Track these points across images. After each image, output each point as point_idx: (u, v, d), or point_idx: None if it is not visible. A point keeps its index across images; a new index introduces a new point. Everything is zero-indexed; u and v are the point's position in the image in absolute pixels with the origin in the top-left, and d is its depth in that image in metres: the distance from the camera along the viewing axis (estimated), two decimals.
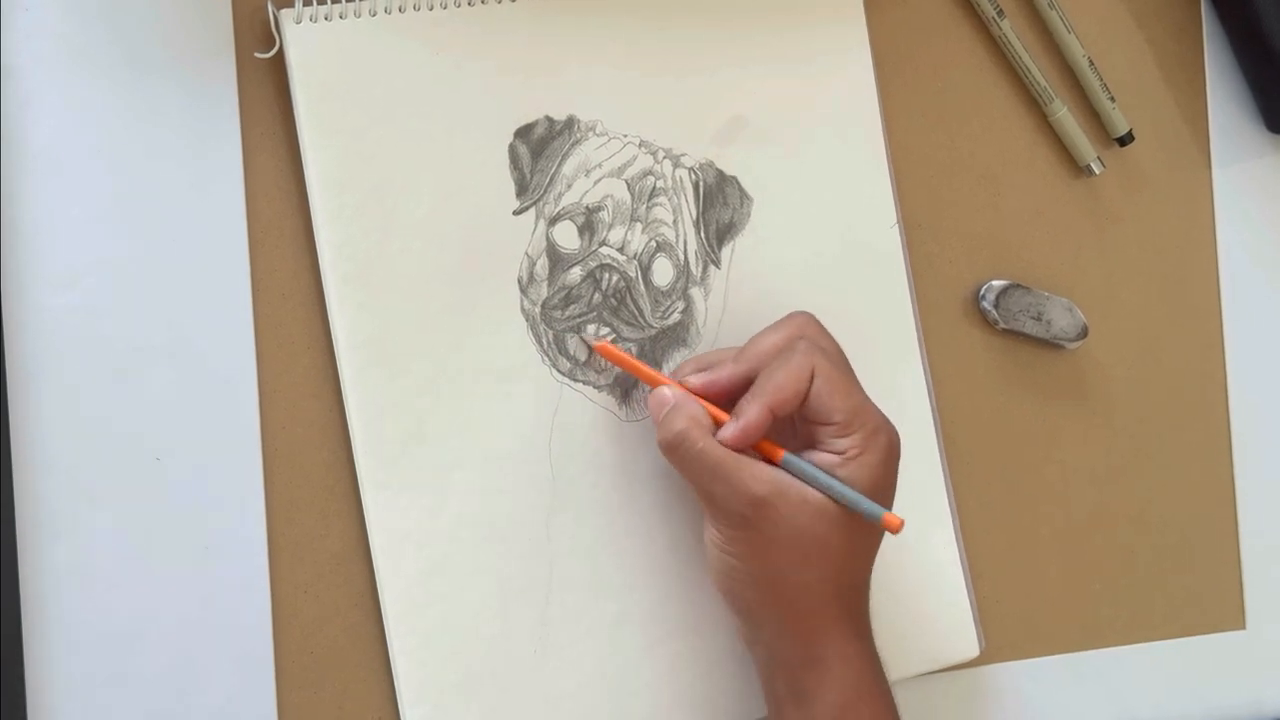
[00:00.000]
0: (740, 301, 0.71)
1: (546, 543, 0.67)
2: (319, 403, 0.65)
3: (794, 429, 0.66)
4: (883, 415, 0.65)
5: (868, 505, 0.63)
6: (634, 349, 0.69)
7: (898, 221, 0.74)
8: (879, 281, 0.74)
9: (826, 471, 0.63)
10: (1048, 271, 0.79)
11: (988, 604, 0.76)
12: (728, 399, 0.65)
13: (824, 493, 0.62)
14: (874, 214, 0.74)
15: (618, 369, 0.68)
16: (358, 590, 0.65)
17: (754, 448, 0.64)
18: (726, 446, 0.63)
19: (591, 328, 0.68)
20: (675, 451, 0.63)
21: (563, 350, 0.68)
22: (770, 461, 0.63)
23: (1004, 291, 0.76)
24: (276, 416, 0.65)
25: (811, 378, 0.63)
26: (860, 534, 0.64)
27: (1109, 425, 0.80)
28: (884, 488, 0.64)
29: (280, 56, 0.64)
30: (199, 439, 0.63)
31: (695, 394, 0.65)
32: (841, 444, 0.63)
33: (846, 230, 0.73)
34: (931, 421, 0.74)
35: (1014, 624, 0.77)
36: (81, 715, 0.61)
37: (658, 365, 0.69)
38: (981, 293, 0.77)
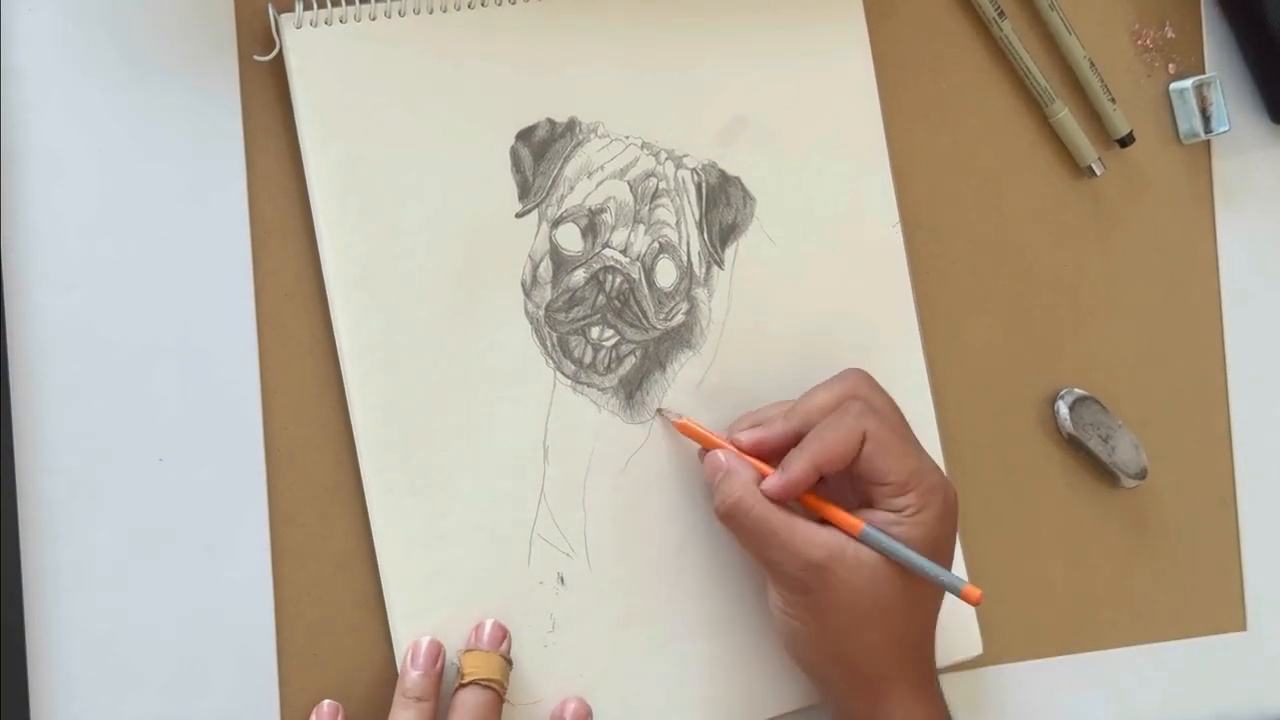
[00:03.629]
0: (744, 302, 0.71)
1: (551, 546, 0.67)
2: (322, 404, 0.65)
3: (852, 487, 0.67)
4: (941, 474, 0.66)
5: (948, 578, 0.64)
6: (638, 351, 0.69)
7: (898, 221, 0.74)
8: (881, 281, 0.74)
9: (881, 528, 0.63)
10: (1049, 272, 0.79)
11: (989, 605, 0.76)
12: (777, 456, 0.66)
13: (902, 563, 0.63)
14: (875, 214, 0.74)
15: (623, 370, 0.68)
16: (361, 592, 0.65)
17: (830, 517, 0.64)
18: (769, 498, 0.64)
19: (595, 329, 0.68)
20: (732, 519, 0.64)
21: (567, 353, 0.68)
22: (848, 533, 0.64)
23: (1080, 401, 0.77)
24: (279, 418, 0.64)
25: (863, 441, 0.64)
26: (921, 595, 0.65)
27: None
28: (943, 545, 0.65)
29: (281, 58, 0.64)
30: (202, 440, 0.63)
31: (746, 451, 0.66)
32: (898, 502, 0.64)
33: (848, 230, 0.73)
34: (934, 422, 0.74)
35: (1016, 625, 0.77)
36: (84, 717, 0.61)
37: (661, 366, 0.69)
38: (1061, 393, 0.77)
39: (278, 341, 0.65)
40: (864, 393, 0.66)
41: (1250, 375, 0.83)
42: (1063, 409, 0.77)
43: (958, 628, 0.74)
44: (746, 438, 0.66)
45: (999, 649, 0.76)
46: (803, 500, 0.65)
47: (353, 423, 0.64)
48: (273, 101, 0.65)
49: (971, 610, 0.74)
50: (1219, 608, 0.82)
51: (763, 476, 0.65)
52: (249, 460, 0.64)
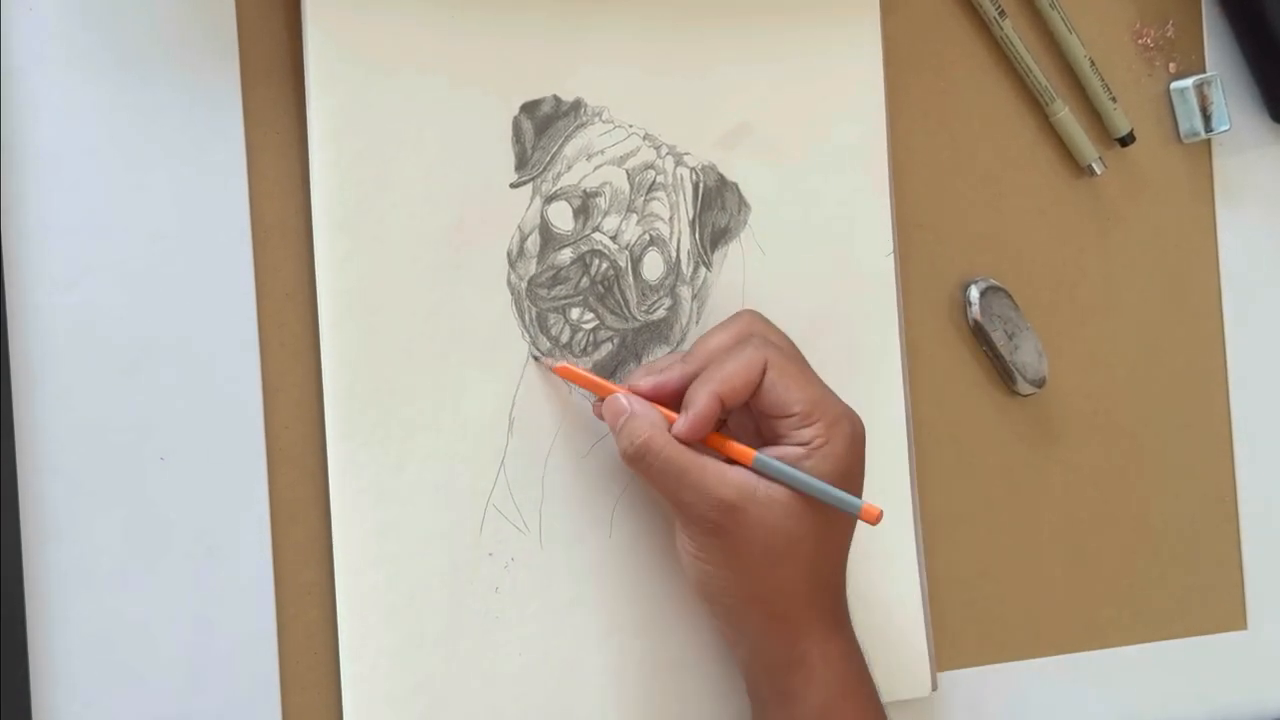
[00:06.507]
0: (727, 306, 0.70)
1: (504, 520, 0.67)
2: (322, 403, 0.65)
3: (755, 429, 0.66)
4: (844, 404, 0.65)
5: (845, 498, 0.62)
6: (616, 339, 0.69)
7: (892, 251, 0.74)
8: (869, 306, 0.73)
9: (791, 463, 0.62)
10: (1049, 271, 0.79)
11: (989, 604, 0.76)
12: (677, 401, 0.65)
13: (798, 489, 0.62)
14: (871, 239, 0.73)
15: (598, 356, 0.68)
16: None
17: (724, 451, 0.63)
18: (680, 440, 0.63)
19: (575, 310, 0.68)
20: (640, 461, 0.63)
21: (544, 329, 0.68)
22: (741, 463, 0.63)
23: (990, 291, 0.76)
24: (280, 416, 0.64)
25: (764, 370, 0.63)
26: (832, 527, 0.64)
27: (1110, 425, 0.80)
28: (852, 477, 0.64)
29: (289, 40, 0.64)
30: (203, 439, 0.63)
31: (646, 398, 0.65)
32: (805, 434, 0.63)
33: (841, 252, 0.73)
34: (906, 456, 0.73)
35: (1015, 624, 0.77)
36: (85, 717, 0.61)
37: (639, 358, 0.69)
38: (972, 280, 0.76)
39: (278, 341, 0.65)
40: (759, 329, 0.66)
41: (1251, 374, 0.83)
42: (974, 293, 0.76)
43: (906, 666, 0.73)
44: (645, 383, 0.65)
45: (999, 649, 0.76)
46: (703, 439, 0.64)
47: (321, 366, 0.64)
48: (274, 99, 0.65)
49: (924, 650, 0.73)
50: (1219, 606, 0.82)
51: (666, 419, 0.63)
52: (250, 458, 0.64)
